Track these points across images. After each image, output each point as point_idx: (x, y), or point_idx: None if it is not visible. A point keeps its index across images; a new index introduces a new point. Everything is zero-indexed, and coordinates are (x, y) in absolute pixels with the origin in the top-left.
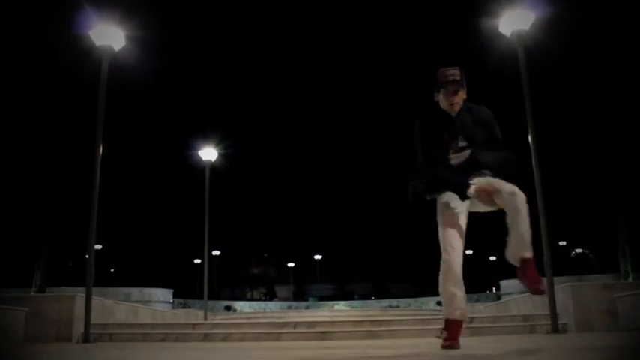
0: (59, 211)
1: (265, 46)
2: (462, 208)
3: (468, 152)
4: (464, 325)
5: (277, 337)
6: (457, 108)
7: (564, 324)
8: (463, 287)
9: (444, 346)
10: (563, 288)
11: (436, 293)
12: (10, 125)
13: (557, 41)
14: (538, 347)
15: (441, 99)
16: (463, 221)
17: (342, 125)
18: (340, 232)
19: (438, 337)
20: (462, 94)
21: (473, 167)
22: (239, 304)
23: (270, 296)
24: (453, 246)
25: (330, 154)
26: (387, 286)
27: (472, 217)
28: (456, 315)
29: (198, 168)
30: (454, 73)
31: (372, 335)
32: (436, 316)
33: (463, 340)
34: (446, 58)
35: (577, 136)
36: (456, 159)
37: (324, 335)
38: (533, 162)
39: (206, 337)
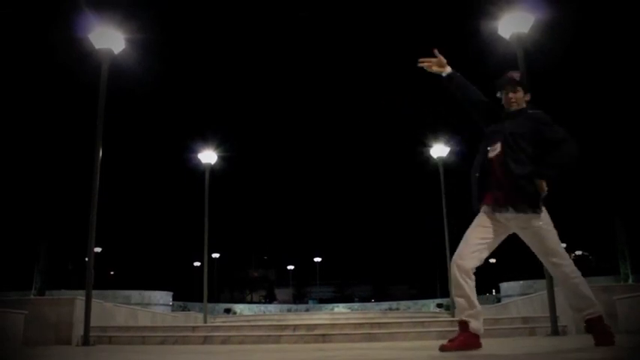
0: (59, 213)
1: (265, 49)
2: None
3: (499, 146)
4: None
5: (277, 339)
6: (513, 107)
7: (564, 326)
8: (465, 291)
9: (440, 347)
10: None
11: (435, 296)
12: (10, 127)
13: (557, 44)
14: (538, 350)
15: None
16: (492, 231)
17: (342, 127)
18: (340, 234)
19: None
20: (519, 94)
21: (503, 174)
22: (239, 307)
23: (270, 299)
24: (463, 245)
25: (330, 156)
26: (387, 288)
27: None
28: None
29: (197, 171)
30: (514, 75)
31: (371, 338)
32: (436, 318)
33: None
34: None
35: (577, 138)
36: (492, 151)
37: (323, 338)
38: None
39: (206, 340)
